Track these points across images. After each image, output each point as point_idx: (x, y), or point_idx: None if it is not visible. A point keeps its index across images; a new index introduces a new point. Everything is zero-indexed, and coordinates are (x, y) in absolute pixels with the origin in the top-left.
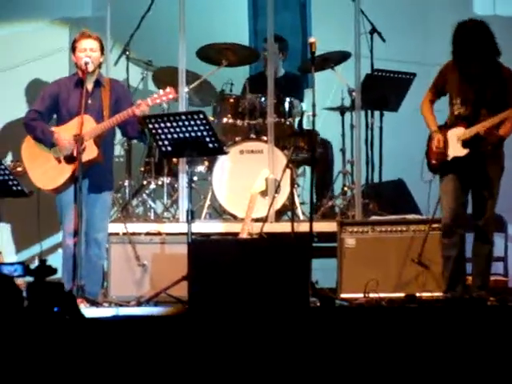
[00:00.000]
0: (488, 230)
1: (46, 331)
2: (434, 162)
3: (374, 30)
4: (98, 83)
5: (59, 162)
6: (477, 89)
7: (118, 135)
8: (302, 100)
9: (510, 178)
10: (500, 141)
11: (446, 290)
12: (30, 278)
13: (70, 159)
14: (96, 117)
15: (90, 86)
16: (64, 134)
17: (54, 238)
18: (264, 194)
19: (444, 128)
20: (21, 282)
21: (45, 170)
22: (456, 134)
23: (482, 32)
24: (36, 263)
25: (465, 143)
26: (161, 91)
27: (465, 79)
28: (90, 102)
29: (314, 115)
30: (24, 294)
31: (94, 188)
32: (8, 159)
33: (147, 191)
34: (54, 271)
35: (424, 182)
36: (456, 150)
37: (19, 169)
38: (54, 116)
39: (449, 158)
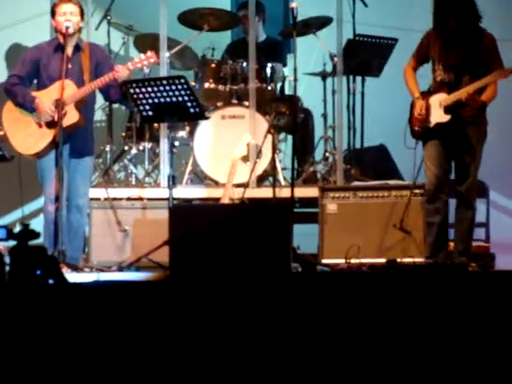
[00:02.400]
0: (470, 195)
1: (28, 295)
2: (416, 128)
3: None
4: (77, 48)
5: (40, 126)
6: (459, 55)
7: (99, 100)
8: (285, 64)
9: (492, 144)
10: (482, 106)
11: (429, 256)
12: (11, 243)
13: (51, 124)
14: (76, 81)
15: (69, 50)
16: (45, 99)
17: (35, 203)
18: (245, 159)
19: (427, 94)
20: (1, 246)
21: (26, 135)
22: (438, 100)
23: None
24: (18, 228)
25: (447, 109)
26: (142, 55)
27: (447, 45)
28: (70, 66)
29: (295, 80)
30: (5, 258)
31: (75, 153)
32: None
33: (128, 156)
34: (37, 235)
35: (408, 149)
36: (438, 117)
37: (0, 133)
38: (35, 81)
39: (431, 125)
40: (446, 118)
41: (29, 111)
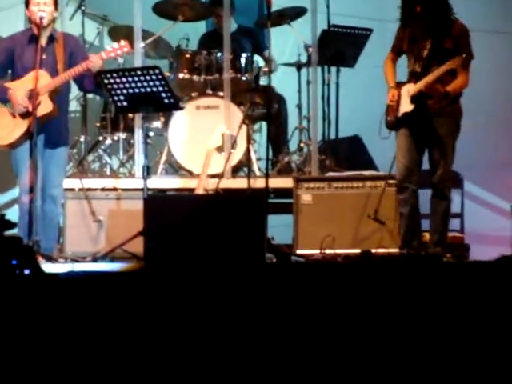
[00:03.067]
0: (443, 186)
1: (3, 285)
2: (389, 118)
3: None
4: (51, 38)
5: (14, 116)
6: (427, 45)
7: (74, 91)
8: (265, 49)
9: (467, 134)
10: (444, 96)
11: (402, 246)
12: None
13: (24, 114)
14: (51, 71)
15: (43, 40)
16: (19, 89)
17: (9, 194)
18: (220, 149)
19: (401, 84)
20: None
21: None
22: (407, 90)
23: None
24: None
25: (412, 99)
26: (115, 45)
27: (416, 37)
28: (44, 56)
29: (270, 71)
30: None
31: (49, 143)
32: None
33: (103, 147)
34: (13, 225)
35: (381, 139)
36: (405, 106)
37: None
38: (9, 71)
39: (399, 114)
40: (410, 107)
41: (2, 102)
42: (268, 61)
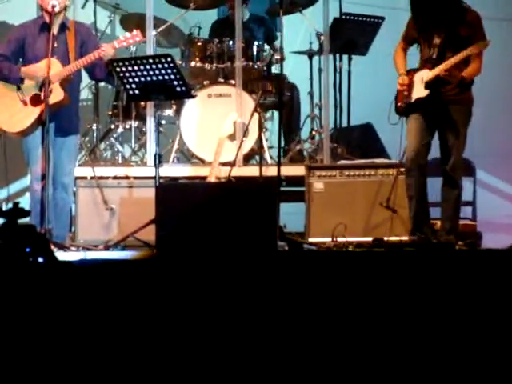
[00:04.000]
0: (455, 174)
1: (18, 273)
2: (399, 104)
3: None
4: (63, 26)
5: (25, 104)
6: (442, 33)
7: (85, 79)
8: (275, 39)
9: (479, 122)
10: (461, 82)
11: (412, 232)
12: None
13: (36, 101)
14: (62, 60)
15: (55, 29)
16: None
17: (21, 182)
18: (232, 137)
19: (413, 71)
20: None
21: (11, 113)
22: (421, 76)
23: None
24: (5, 207)
25: (427, 85)
26: (128, 34)
27: (430, 25)
28: (55, 45)
29: (282, 59)
30: None
31: (60, 131)
32: None
33: (115, 135)
34: (27, 213)
35: (390, 125)
36: (419, 92)
37: None
38: (20, 60)
39: (412, 100)
40: (425, 93)
41: (16, 82)
42: (276, 51)
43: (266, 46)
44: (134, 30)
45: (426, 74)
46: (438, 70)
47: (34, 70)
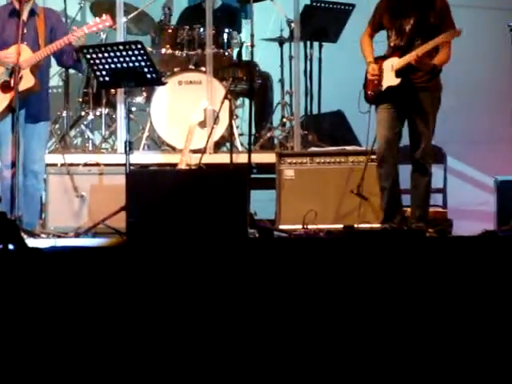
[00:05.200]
0: (425, 161)
1: None
2: (369, 92)
3: None
4: (32, 12)
5: None
6: (410, 20)
7: (55, 66)
8: (239, 31)
9: (450, 109)
10: (432, 70)
11: (383, 221)
12: None
13: (5, 88)
14: (32, 46)
15: (25, 15)
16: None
17: None
18: (202, 125)
19: (381, 59)
20: None
21: None
22: (390, 64)
23: None
24: None
25: (398, 73)
26: (97, 19)
27: (398, 12)
28: (25, 31)
29: (252, 46)
30: None
31: (30, 118)
32: None
33: (85, 122)
34: None
35: (360, 113)
36: (389, 80)
37: None
38: None
39: (382, 88)
40: (396, 81)
41: None
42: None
43: (236, 34)
44: (104, 15)
45: (397, 62)
46: (410, 57)
47: (5, 56)
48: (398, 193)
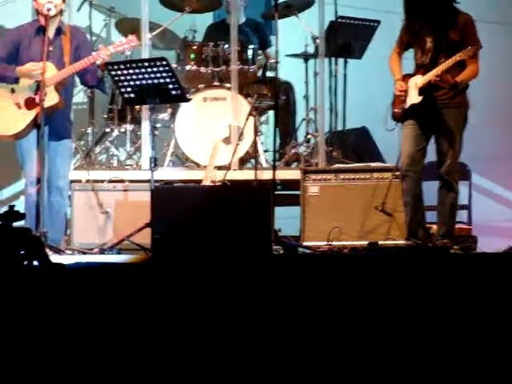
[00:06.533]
0: (451, 178)
1: (12, 276)
2: (396, 110)
3: None
4: (59, 30)
5: (19, 107)
6: (434, 38)
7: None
8: (269, 45)
9: (475, 126)
10: (453, 86)
11: (408, 236)
12: None
13: (30, 105)
14: (57, 64)
15: (51, 32)
16: (25, 80)
17: (15, 186)
18: (227, 141)
19: (408, 77)
20: None
21: (4, 116)
22: (414, 82)
23: None
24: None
25: (420, 90)
26: (123, 39)
27: (423, 30)
28: (51, 48)
29: (277, 62)
30: None
31: (53, 135)
32: None
33: (110, 138)
34: (23, 216)
35: (386, 130)
36: (413, 98)
37: None
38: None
39: (407, 106)
40: (418, 99)
41: (11, 82)
42: (269, 57)
43: (262, 50)
44: (130, 35)
45: (420, 80)
46: (430, 75)
47: (30, 68)
48: (422, 209)
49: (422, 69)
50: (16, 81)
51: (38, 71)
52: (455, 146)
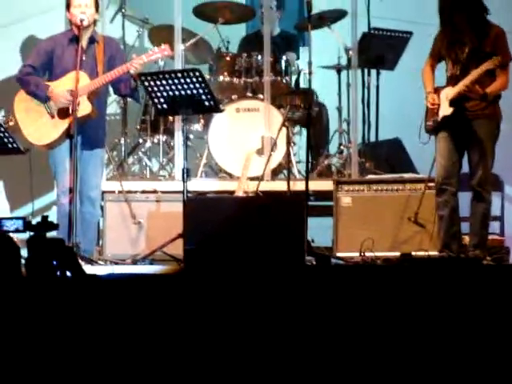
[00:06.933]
0: (482, 189)
1: (45, 287)
2: (429, 123)
3: None
4: (92, 40)
5: (52, 117)
6: (465, 49)
7: (113, 94)
8: (298, 58)
9: (507, 137)
10: (483, 97)
11: (441, 249)
12: (27, 235)
13: (63, 114)
14: (90, 73)
15: (84, 42)
16: (58, 89)
17: (47, 197)
18: (260, 152)
19: (440, 89)
20: (16, 239)
21: (38, 125)
22: (445, 94)
23: None
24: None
25: (451, 102)
26: (156, 48)
27: (454, 42)
28: (84, 58)
29: (310, 73)
30: (21, 251)
31: (86, 145)
32: None
33: (143, 149)
34: (56, 226)
35: (420, 144)
36: (444, 110)
37: (11, 123)
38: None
39: (439, 118)
40: (449, 110)
41: (42, 100)
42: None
43: (294, 60)
44: (163, 45)
45: (450, 91)
46: (459, 86)
47: (59, 98)
48: (458, 221)
49: (453, 80)
50: (47, 99)
51: (66, 103)
52: (487, 158)
